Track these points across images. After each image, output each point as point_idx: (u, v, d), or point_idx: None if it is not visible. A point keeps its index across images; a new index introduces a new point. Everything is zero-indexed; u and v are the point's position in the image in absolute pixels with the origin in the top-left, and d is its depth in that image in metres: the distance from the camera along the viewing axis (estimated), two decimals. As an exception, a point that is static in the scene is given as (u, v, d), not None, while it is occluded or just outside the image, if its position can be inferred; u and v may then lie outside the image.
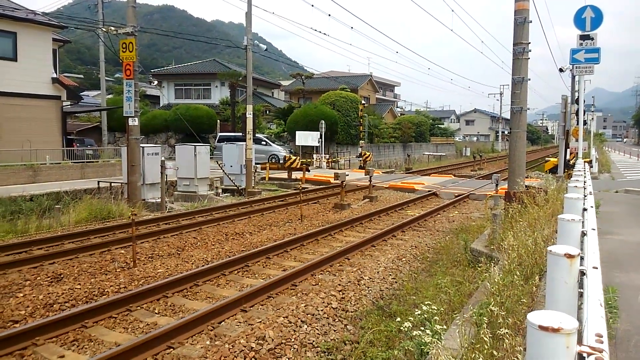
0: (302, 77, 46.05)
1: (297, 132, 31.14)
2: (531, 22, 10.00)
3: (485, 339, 3.45)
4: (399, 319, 5.77)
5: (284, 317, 6.20)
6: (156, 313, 6.67)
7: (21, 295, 7.16)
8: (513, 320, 4.03)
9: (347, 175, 17.72)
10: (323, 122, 30.60)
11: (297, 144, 31.22)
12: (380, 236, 11.11)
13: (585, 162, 13.89)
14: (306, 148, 31.93)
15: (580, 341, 1.83)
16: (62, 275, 8.22)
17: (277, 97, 53.80)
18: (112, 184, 16.68)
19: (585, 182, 7.28)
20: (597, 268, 2.58)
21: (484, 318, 3.89)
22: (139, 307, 6.78)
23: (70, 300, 6.97)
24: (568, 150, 18.60)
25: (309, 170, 23.80)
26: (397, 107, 74.13)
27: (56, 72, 24.15)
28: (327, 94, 37.57)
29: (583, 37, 14.23)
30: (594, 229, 3.66)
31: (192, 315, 6.06)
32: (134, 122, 15.20)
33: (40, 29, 21.98)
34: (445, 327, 4.69)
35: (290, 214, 14.66)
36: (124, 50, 14.84)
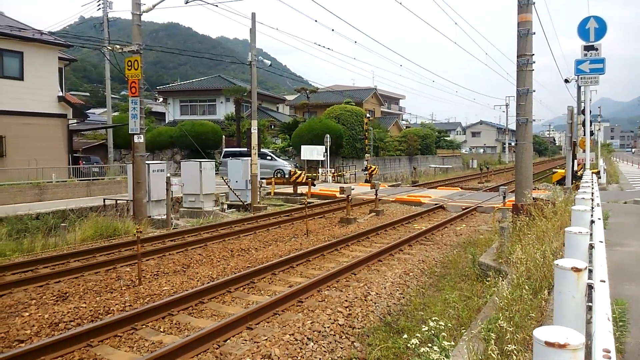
0: (307, 91, 46.29)
1: (302, 147, 31.17)
2: (534, 34, 10.00)
3: (493, 355, 3.39)
4: (406, 336, 5.70)
5: (290, 335, 6.14)
6: (161, 331, 6.62)
7: (27, 314, 7.14)
8: (522, 335, 3.96)
9: (353, 189, 17.69)
10: (328, 136, 30.65)
11: (302, 158, 31.25)
12: (387, 250, 11.03)
13: (593, 173, 13.79)
14: (311, 162, 31.95)
15: (589, 356, 1.79)
16: (67, 294, 8.21)
17: (282, 111, 54.06)
18: (118, 202, 16.72)
19: (592, 193, 7.21)
20: (604, 281, 2.53)
21: (492, 334, 3.82)
22: (144, 326, 6.73)
23: (76, 319, 6.94)
24: (575, 161, 18.50)
25: (314, 185, 23.78)
26: (402, 120, 74.23)
27: (62, 91, 24.41)
28: (332, 107, 37.69)
29: (587, 48, 14.22)
30: (601, 242, 3.60)
31: (198, 333, 6.01)
32: (139, 140, 15.29)
33: (47, 48, 22.25)
34: (453, 343, 4.62)
35: (296, 229, 14.62)
36: (130, 68, 14.99)
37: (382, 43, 24.34)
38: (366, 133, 34.25)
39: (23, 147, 20.91)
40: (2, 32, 19.66)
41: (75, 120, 25.04)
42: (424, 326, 4.85)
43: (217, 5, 18.34)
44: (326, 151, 30.35)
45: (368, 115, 37.16)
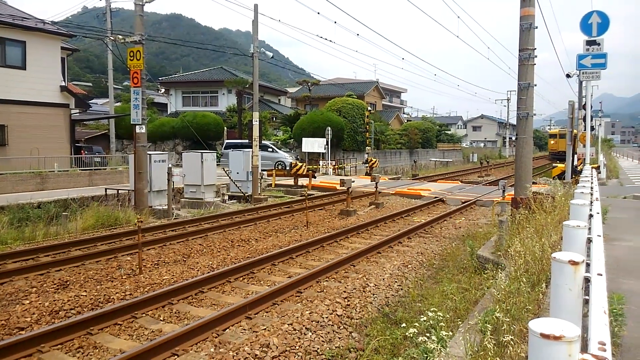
0: (309, 84, 46.20)
1: (303, 139, 31.18)
2: (537, 28, 9.96)
3: (489, 346, 3.42)
4: (404, 326, 5.74)
5: (288, 324, 6.18)
6: (161, 320, 6.67)
7: (27, 302, 7.19)
8: (519, 327, 4.00)
9: (353, 181, 17.71)
10: (329, 128, 30.64)
11: (303, 150, 31.26)
12: (386, 243, 11.07)
13: (592, 167, 13.78)
14: (312, 154, 31.95)
15: (585, 349, 1.81)
16: (68, 282, 8.25)
17: (284, 104, 53.97)
18: (120, 191, 16.75)
19: (592, 188, 7.22)
20: (601, 275, 2.56)
21: (488, 325, 3.85)
22: (144, 314, 6.78)
23: (76, 307, 6.99)
24: (576, 156, 18.50)
25: (315, 177, 23.81)
26: (403, 113, 74.14)
27: (65, 81, 24.35)
28: (334, 100, 37.65)
29: (589, 43, 14.16)
30: (599, 236, 3.62)
31: (197, 322, 6.06)
32: (141, 130, 15.29)
33: (49, 38, 22.20)
34: (450, 334, 4.65)
35: (296, 220, 14.65)
36: (132, 58, 14.96)
37: (384, 36, 24.29)
38: (367, 126, 34.22)
39: (25, 136, 20.91)
40: (5, 21, 19.61)
41: (77, 110, 25.00)
42: (422, 317, 4.88)
43: (219, -4, 18.26)
44: (327, 144, 30.36)
45: (369, 108, 37.13)
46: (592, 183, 8.14)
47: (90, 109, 30.29)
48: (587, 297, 2.45)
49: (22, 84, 20.93)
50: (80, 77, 68.31)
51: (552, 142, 51.33)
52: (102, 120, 35.16)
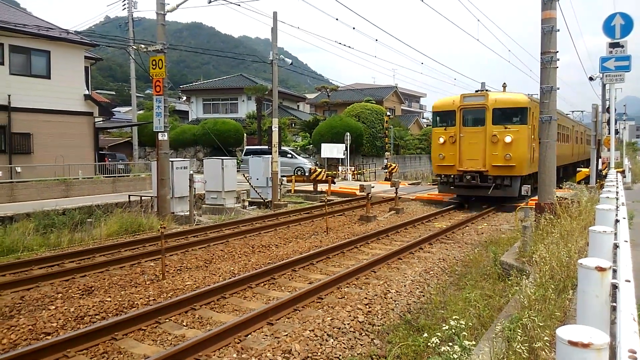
0: (327, 89, 46.27)
1: (322, 145, 31.23)
2: (559, 30, 9.86)
3: (520, 350, 3.38)
4: (426, 334, 5.69)
5: (310, 331, 6.18)
6: (184, 325, 6.72)
7: (53, 307, 7.31)
8: (545, 334, 3.94)
9: (373, 187, 17.66)
10: (348, 134, 30.64)
11: (322, 156, 31.31)
12: (407, 249, 10.99)
13: (617, 172, 13.53)
14: (331, 160, 31.98)
15: (613, 357, 1.78)
16: (93, 288, 8.38)
17: (303, 110, 54.19)
18: (143, 198, 16.97)
19: (617, 192, 7.09)
20: (629, 281, 2.51)
21: (519, 331, 3.80)
22: (167, 320, 6.84)
23: (101, 313, 7.08)
24: (600, 160, 18.19)
25: (334, 183, 23.80)
26: (423, 118, 73.68)
27: (88, 89, 24.82)
28: (352, 106, 37.66)
29: (613, 45, 13.94)
30: (626, 241, 3.56)
31: (219, 328, 6.09)
32: (163, 137, 15.49)
33: (73, 48, 22.66)
34: (474, 342, 4.60)
35: (316, 226, 14.66)
36: (154, 67, 15.18)
37: (403, 41, 24.24)
38: (386, 131, 34.13)
39: (50, 144, 21.34)
40: (30, 31, 20.09)
41: (101, 118, 25.46)
42: (444, 325, 4.84)
43: (239, 5, 18.45)
44: (346, 149, 30.37)
45: (388, 113, 37.07)
46: (617, 187, 8.00)
47: (114, 117, 30.80)
48: (614, 304, 2.41)
49: (47, 92, 21.38)
50: (104, 85, 69.50)
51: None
52: (125, 128, 35.75)
